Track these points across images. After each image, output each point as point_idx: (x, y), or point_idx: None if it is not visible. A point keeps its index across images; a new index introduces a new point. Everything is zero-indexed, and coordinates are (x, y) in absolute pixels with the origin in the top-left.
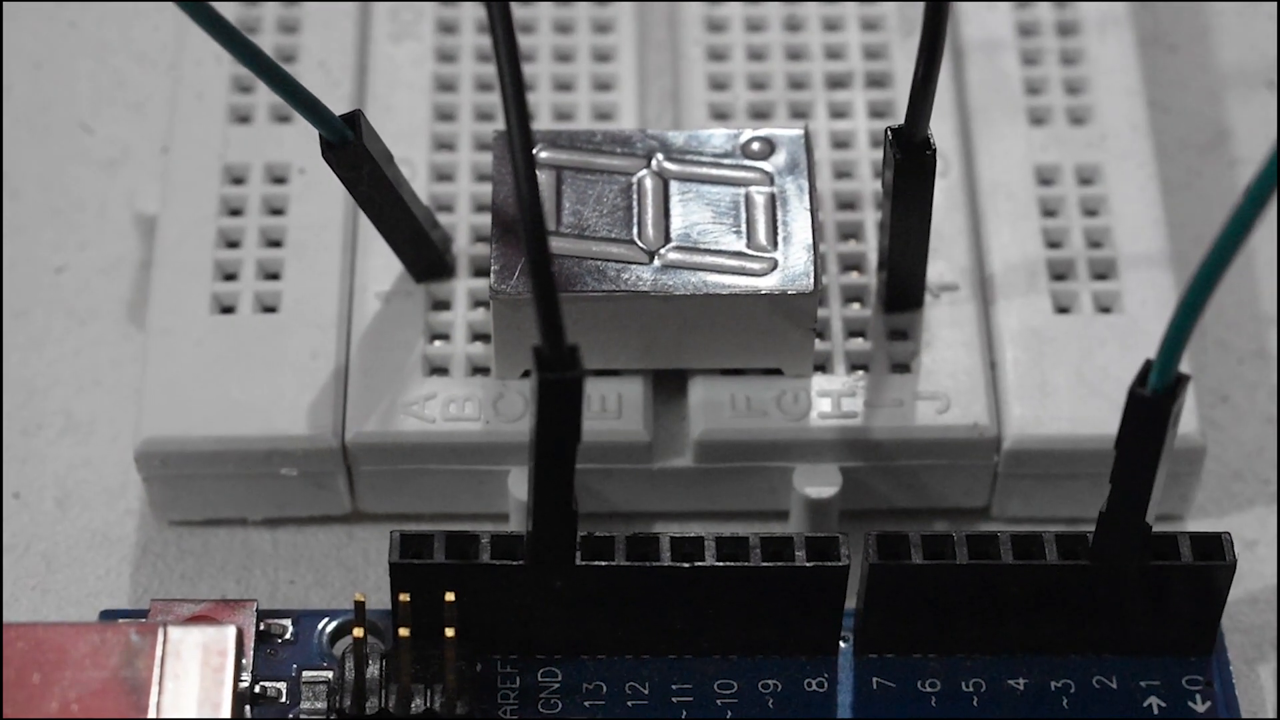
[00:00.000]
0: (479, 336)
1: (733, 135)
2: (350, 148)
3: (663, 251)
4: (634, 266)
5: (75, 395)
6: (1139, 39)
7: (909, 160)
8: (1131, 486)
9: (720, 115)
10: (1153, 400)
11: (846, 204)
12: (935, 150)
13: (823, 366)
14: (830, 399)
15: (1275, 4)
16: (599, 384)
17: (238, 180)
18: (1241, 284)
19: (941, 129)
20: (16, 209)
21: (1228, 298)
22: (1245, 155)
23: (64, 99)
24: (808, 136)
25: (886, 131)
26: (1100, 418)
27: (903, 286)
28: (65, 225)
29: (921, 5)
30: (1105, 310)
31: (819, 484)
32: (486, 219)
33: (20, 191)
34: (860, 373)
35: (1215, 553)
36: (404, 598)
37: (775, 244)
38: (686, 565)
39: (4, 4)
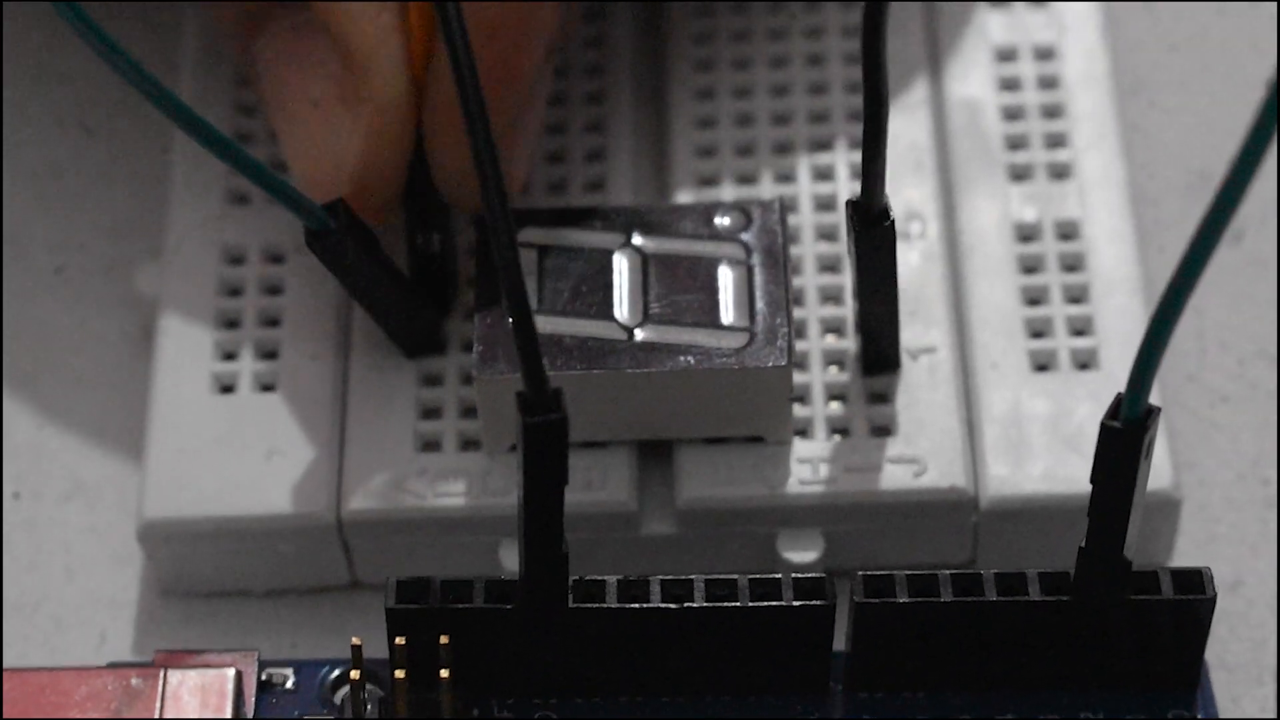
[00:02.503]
0: (469, 411)
1: (707, 208)
2: (332, 236)
3: (639, 329)
4: (613, 344)
5: (81, 461)
6: (1137, 47)
7: (868, 232)
8: (1109, 520)
9: (707, 181)
10: (1124, 431)
11: (828, 267)
12: (893, 222)
13: (803, 431)
14: (810, 465)
15: (1275, 4)
16: (583, 456)
17: (236, 260)
18: (1241, 284)
19: (923, 188)
20: (16, 209)
21: (1228, 298)
22: None
23: (64, 99)
24: (782, 206)
25: (847, 204)
26: (1079, 475)
27: (878, 350)
28: (63, 226)
29: (903, 64)
30: (1084, 367)
31: (801, 549)
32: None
33: (19, 192)
34: (839, 437)
35: (1195, 587)
36: (400, 641)
37: (751, 318)
38: (676, 606)
39: (4, 4)
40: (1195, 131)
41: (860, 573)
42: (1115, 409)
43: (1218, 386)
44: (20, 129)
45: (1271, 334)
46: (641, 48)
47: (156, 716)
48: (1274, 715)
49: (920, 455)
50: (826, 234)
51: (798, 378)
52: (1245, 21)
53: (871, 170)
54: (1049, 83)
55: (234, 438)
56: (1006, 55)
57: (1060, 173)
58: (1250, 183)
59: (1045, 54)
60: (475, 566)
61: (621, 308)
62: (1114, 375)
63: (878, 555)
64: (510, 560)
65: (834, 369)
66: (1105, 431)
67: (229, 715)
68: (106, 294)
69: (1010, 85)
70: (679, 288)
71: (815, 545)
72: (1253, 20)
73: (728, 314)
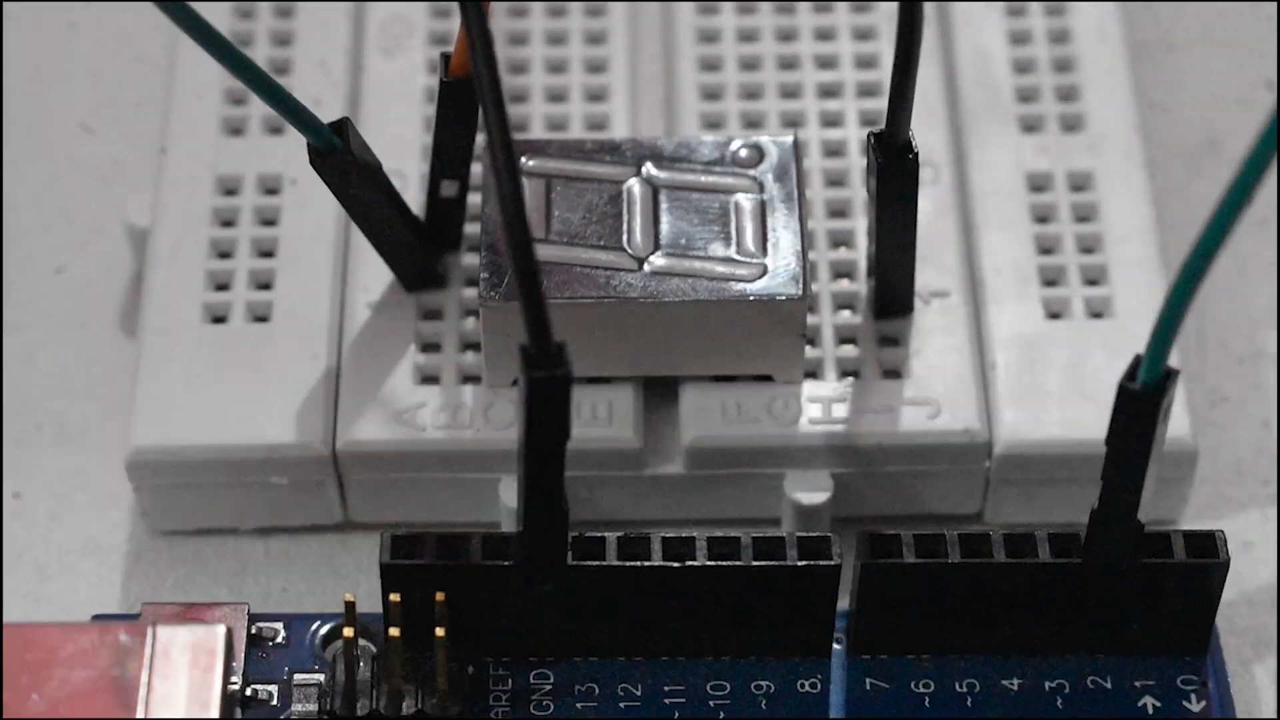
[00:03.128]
0: (470, 346)
1: (722, 142)
2: (337, 155)
3: (652, 258)
4: (623, 273)
5: (68, 404)
6: (1135, 41)
7: (892, 165)
8: (1123, 483)
9: (712, 125)
10: (1142, 395)
11: (838, 212)
12: (918, 154)
13: (814, 373)
14: (821, 405)
15: (1275, 4)
16: (589, 391)
17: (230, 191)
18: (1241, 284)
19: (933, 136)
20: (15, 210)
21: (1227, 298)
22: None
23: (64, 99)
24: (797, 144)
25: (869, 136)
26: (1092, 422)
27: (892, 292)
28: (63, 228)
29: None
30: (1097, 316)
31: (810, 490)
32: (477, 229)
33: (19, 193)
34: (851, 379)
35: (1209, 550)
36: (394, 598)
37: (764, 250)
38: (678, 565)
39: (4, 4)
40: (1196, 132)
41: (866, 532)
42: (1133, 370)
43: (1218, 386)
44: (20, 129)
45: (1271, 334)
46: None
47: (146, 674)
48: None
49: (934, 398)
50: (836, 179)
51: (808, 321)
52: (1245, 21)
53: (899, 101)
54: (1060, 36)
55: (226, 368)
56: (1017, 10)
57: (1072, 125)
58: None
59: (1056, 9)
60: (474, 503)
61: (633, 237)
62: (1127, 325)
63: (884, 503)
64: (510, 497)
65: (845, 312)
66: (1123, 394)
67: (219, 673)
68: (106, 294)
69: (1021, 38)
70: (692, 218)
71: (824, 487)
72: (1253, 20)
73: (742, 245)
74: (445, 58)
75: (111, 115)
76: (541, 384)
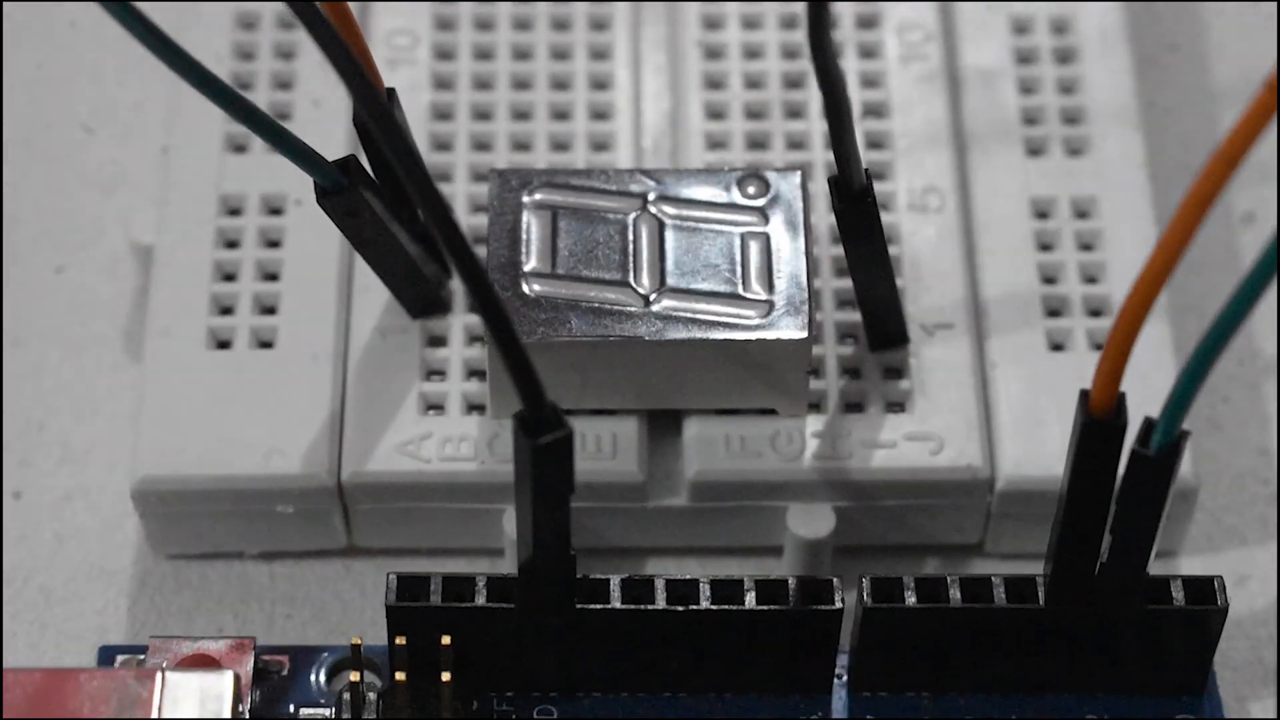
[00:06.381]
0: (475, 373)
1: (728, 176)
2: (345, 194)
3: (657, 296)
4: (629, 310)
5: (72, 425)
6: (1138, 47)
7: (850, 210)
8: (1132, 541)
9: (717, 144)
10: (1156, 460)
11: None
12: (875, 198)
13: (817, 406)
14: (824, 440)
15: (1275, 4)
16: (593, 423)
17: (234, 211)
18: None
19: (938, 161)
20: (15, 210)
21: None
22: (1244, 170)
23: (64, 99)
24: (804, 179)
25: (828, 181)
26: None
27: (881, 326)
28: (65, 232)
29: (918, 32)
30: (1099, 348)
31: (812, 524)
32: (483, 251)
33: (19, 193)
34: (854, 413)
35: (1208, 597)
36: (400, 640)
37: (770, 287)
38: (681, 609)
39: (4, 4)
40: (1195, 131)
41: (868, 576)
42: (1145, 435)
43: (1218, 386)
44: (21, 129)
45: (1272, 334)
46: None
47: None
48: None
49: (936, 433)
50: None
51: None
52: (1245, 21)
53: (841, 150)
54: (1066, 56)
55: (231, 395)
56: (1022, 27)
57: (1077, 149)
58: None
59: (1061, 27)
60: (479, 532)
61: (639, 274)
62: (1130, 358)
63: (886, 534)
64: (514, 528)
65: (849, 342)
66: (1135, 459)
67: (227, 717)
68: (106, 294)
69: (1026, 58)
70: (697, 254)
71: (827, 520)
72: (1253, 20)
73: (747, 284)
74: None
75: (112, 116)
76: (544, 450)
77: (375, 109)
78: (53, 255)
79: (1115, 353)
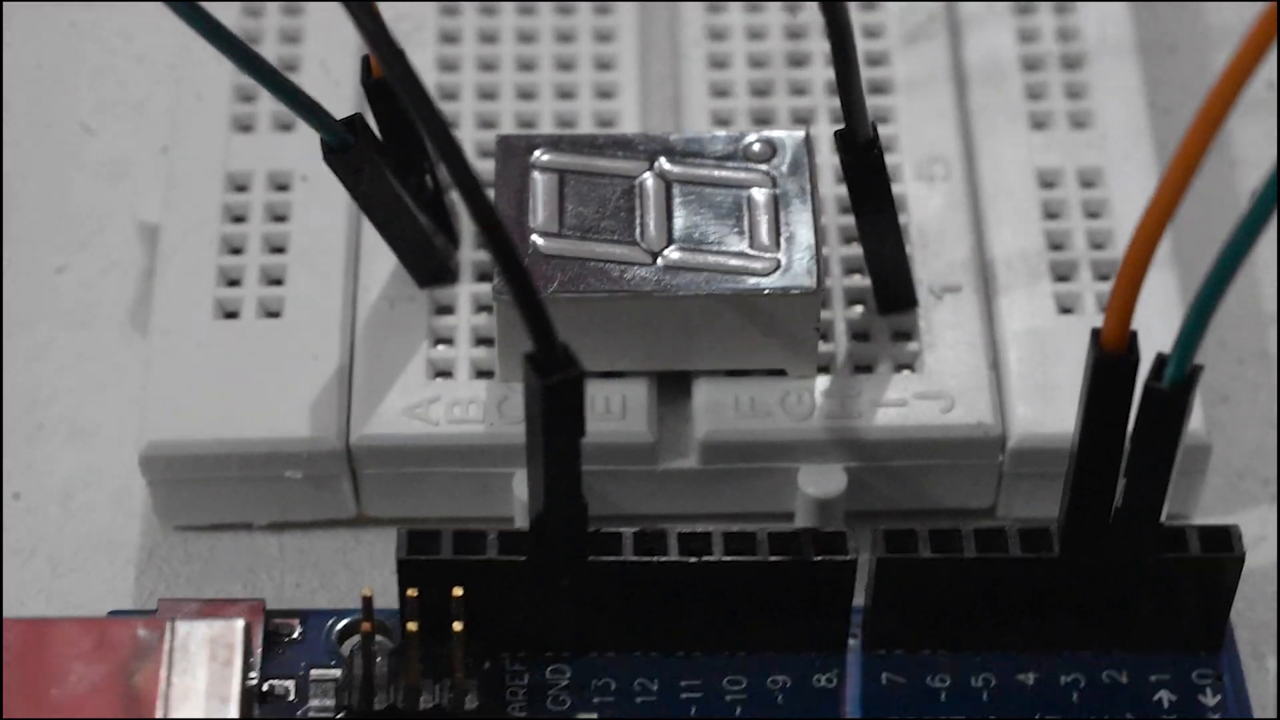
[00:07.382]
0: (482, 341)
1: (735, 137)
2: (351, 151)
3: (665, 252)
4: (637, 267)
5: (79, 401)
6: (1139, 41)
7: (857, 162)
8: (1147, 482)
9: (722, 121)
10: (1169, 394)
11: (849, 208)
12: (881, 150)
13: (826, 367)
14: (834, 399)
15: (1276, 4)
16: (603, 386)
17: (240, 188)
18: (1242, 284)
19: (943, 132)
20: (16, 210)
21: (1228, 298)
22: (1245, 157)
23: (64, 99)
24: (809, 139)
25: (834, 135)
26: None
27: (890, 288)
28: (66, 227)
29: (922, 11)
30: None
31: (823, 484)
32: None
33: (20, 192)
34: (864, 373)
35: (1224, 545)
36: (412, 593)
37: (778, 244)
38: (694, 560)
39: (4, 4)
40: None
41: (881, 528)
42: (1158, 370)
43: (1218, 386)
44: (20, 129)
45: (1272, 334)
46: None
47: (164, 670)
48: None
49: (947, 391)
50: None
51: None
52: (1245, 21)
53: (848, 98)
54: (1069, 34)
55: (239, 363)
56: (1025, 9)
57: (1081, 121)
58: None
59: (1064, 7)
60: (488, 497)
61: (646, 231)
62: (1139, 319)
63: (897, 498)
64: (524, 491)
65: (858, 307)
66: (1149, 393)
67: (239, 667)
68: (106, 294)
69: (1029, 36)
70: (705, 212)
71: (838, 481)
72: (1253, 20)
73: (756, 239)
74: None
75: (112, 115)
76: (555, 389)
77: (387, 52)
78: (53, 255)
79: (1125, 287)
